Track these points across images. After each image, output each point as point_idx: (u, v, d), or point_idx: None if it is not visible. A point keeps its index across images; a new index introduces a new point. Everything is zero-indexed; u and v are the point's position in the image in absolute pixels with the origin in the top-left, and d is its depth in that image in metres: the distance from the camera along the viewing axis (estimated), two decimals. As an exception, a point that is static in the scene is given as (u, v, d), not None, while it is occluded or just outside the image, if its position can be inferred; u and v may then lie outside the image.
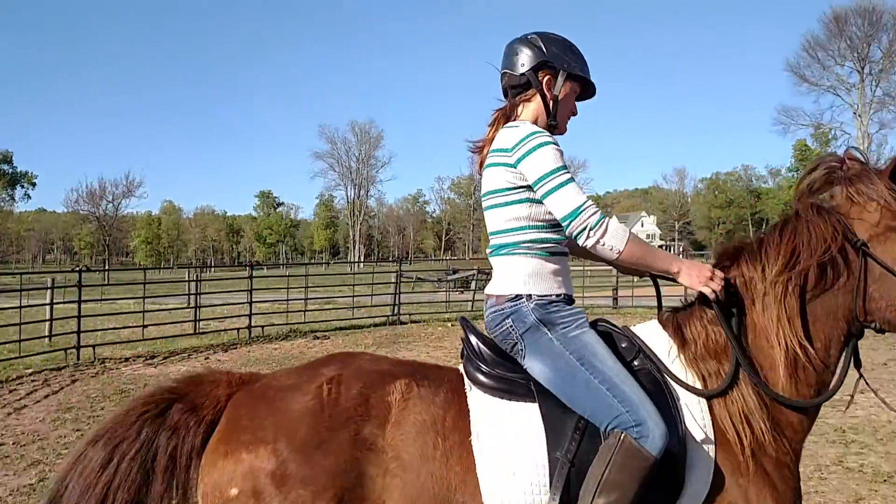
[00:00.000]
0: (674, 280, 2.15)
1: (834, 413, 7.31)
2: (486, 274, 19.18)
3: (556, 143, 2.15)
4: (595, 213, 2.05)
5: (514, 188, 2.18)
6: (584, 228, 2.05)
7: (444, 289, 23.07)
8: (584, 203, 2.06)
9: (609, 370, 2.06)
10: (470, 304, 19.57)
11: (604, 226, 2.05)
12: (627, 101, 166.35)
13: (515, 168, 2.15)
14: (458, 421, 2.08)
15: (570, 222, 2.06)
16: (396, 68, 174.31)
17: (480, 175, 2.33)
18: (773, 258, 2.13)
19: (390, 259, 72.84)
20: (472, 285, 22.20)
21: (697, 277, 2.08)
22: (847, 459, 5.68)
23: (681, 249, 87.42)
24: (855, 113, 47.80)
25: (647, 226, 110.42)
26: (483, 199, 2.30)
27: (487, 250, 2.31)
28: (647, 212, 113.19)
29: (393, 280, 18.81)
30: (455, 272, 25.56)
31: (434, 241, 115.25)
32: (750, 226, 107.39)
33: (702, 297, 2.17)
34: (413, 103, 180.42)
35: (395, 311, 17.30)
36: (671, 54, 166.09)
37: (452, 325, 15.52)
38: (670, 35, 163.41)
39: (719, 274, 2.10)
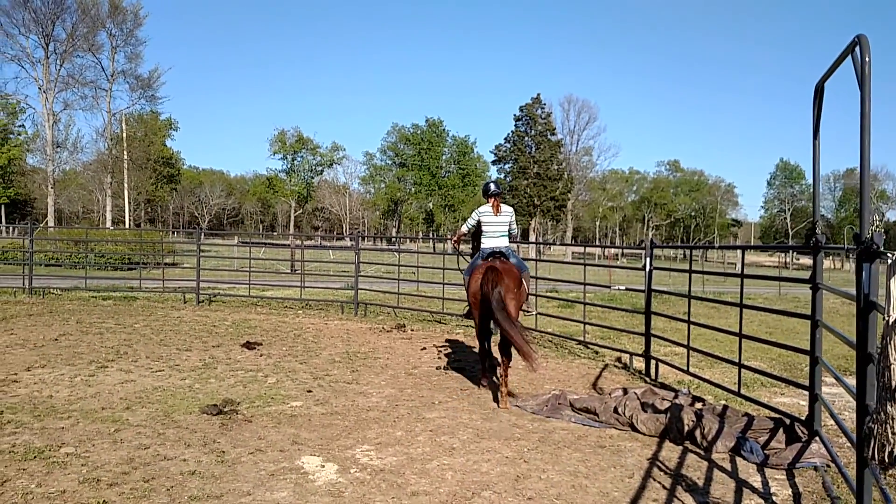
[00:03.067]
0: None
1: (-8, 395, 6.99)
2: None
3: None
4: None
5: (510, 222, 8.52)
6: (517, 234, 9.07)
7: None
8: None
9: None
10: None
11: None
12: None
13: (511, 216, 8.57)
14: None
15: (516, 232, 8.88)
16: None
17: (497, 212, 8.41)
18: None
19: None
20: None
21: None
22: (0, 442, 5.46)
23: None
24: (41, 89, 47.36)
25: None
26: (499, 222, 8.41)
27: (499, 236, 8.41)
28: None
29: None
30: None
31: None
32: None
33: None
34: None
35: None
36: None
37: None
38: None
39: None
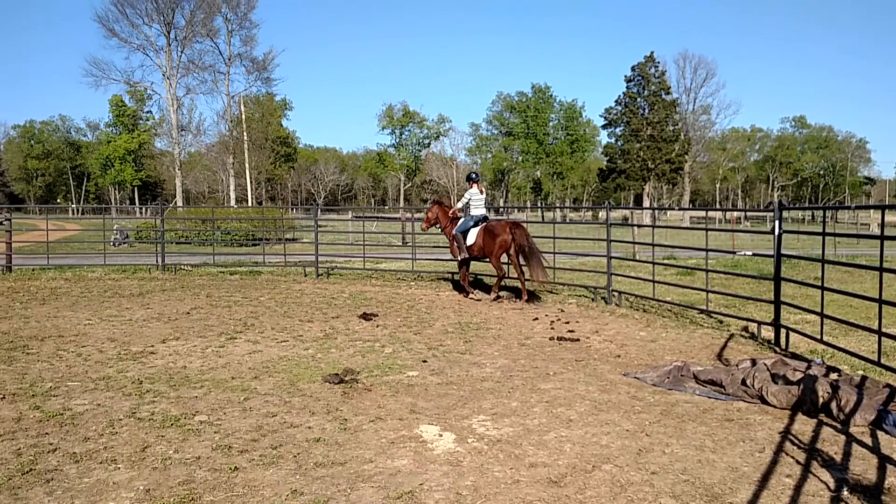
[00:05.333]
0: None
1: (135, 366, 7.51)
2: None
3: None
4: None
5: (486, 197, 13.37)
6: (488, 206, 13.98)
7: None
8: None
9: None
10: None
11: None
12: None
13: (486, 194, 13.45)
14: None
15: (488, 205, 13.97)
16: None
17: (482, 192, 13.25)
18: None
19: None
20: None
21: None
22: (140, 410, 5.83)
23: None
24: (164, 75, 50.13)
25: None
26: (482, 198, 13.19)
27: (483, 207, 13.28)
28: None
29: None
30: None
31: None
32: (71, 179, 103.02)
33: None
34: None
35: None
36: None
37: None
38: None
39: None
